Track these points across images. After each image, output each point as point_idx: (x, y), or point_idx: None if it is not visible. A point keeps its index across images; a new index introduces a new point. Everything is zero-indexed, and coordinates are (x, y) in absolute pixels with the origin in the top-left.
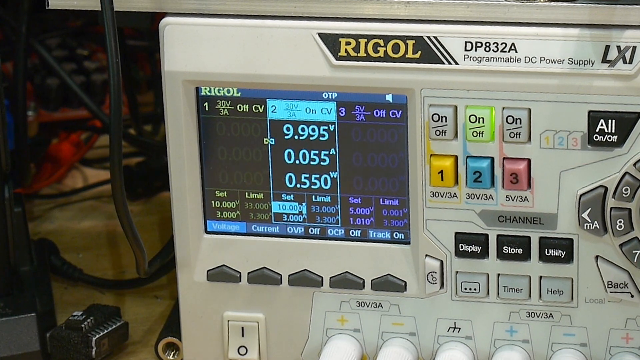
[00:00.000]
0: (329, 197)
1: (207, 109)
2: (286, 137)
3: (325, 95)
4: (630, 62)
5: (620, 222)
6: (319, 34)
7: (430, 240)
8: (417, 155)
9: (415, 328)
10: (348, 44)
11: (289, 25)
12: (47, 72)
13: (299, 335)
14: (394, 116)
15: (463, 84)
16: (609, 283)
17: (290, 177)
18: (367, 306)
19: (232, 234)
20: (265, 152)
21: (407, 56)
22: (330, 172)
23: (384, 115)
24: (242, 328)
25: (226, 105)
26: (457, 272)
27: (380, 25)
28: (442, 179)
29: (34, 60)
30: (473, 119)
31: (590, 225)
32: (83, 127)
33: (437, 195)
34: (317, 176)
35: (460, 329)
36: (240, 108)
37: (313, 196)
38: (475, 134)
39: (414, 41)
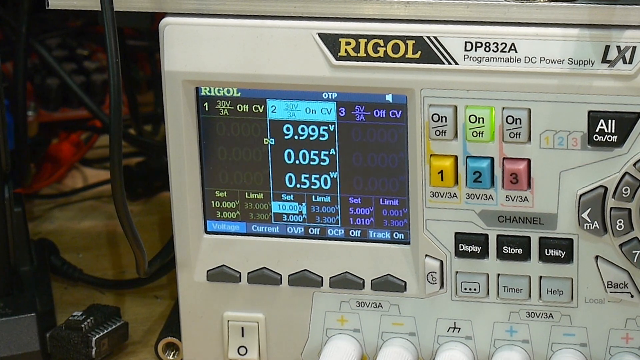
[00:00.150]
0: (329, 197)
1: (207, 109)
2: (286, 137)
3: (325, 95)
4: (630, 62)
5: (620, 222)
6: (319, 34)
7: (430, 240)
8: (417, 155)
9: (415, 328)
10: (348, 44)
11: (289, 25)
12: (47, 72)
13: (299, 335)
14: (394, 116)
15: (463, 84)
16: (609, 283)
17: (290, 177)
18: (367, 306)
19: (232, 234)
20: (265, 152)
21: (407, 56)
22: (330, 172)
23: (384, 115)
24: (242, 328)
25: (226, 105)
26: (457, 272)
27: (380, 25)
28: (442, 179)
29: (34, 60)
30: (473, 119)
31: (590, 225)
32: (83, 127)
33: (437, 195)
34: (317, 176)
35: (460, 329)
36: (240, 108)
37: (313, 196)
38: (475, 134)
39: (413, 41)
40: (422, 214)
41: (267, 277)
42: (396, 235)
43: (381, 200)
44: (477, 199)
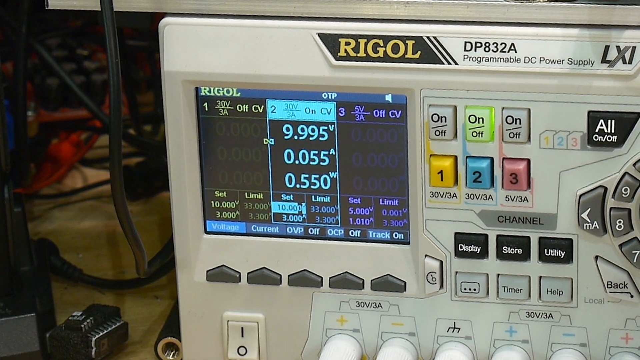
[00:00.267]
0: (329, 197)
1: (206, 109)
2: (286, 137)
3: (324, 95)
4: (630, 62)
5: (619, 222)
6: (319, 34)
7: (429, 240)
8: (416, 155)
9: (415, 328)
10: (348, 44)
11: (289, 25)
12: (47, 72)
13: (298, 336)
14: (394, 116)
15: (463, 84)
16: (609, 283)
17: (289, 177)
18: (367, 306)
19: (231, 234)
20: (264, 152)
21: (406, 56)
22: (329, 172)
23: (384, 116)
24: (242, 328)
25: (226, 106)
26: (456, 272)
27: (380, 26)
28: (442, 179)
29: (34, 60)
30: (473, 119)
31: (589, 226)
32: (83, 127)
33: (436, 195)
34: (317, 176)
35: (459, 329)
36: (239, 108)
37: (313, 196)
38: (474, 134)
39: (413, 41)
40: (421, 214)
41: (267, 277)
42: (396, 235)
43: (381, 200)
44: (477, 199)
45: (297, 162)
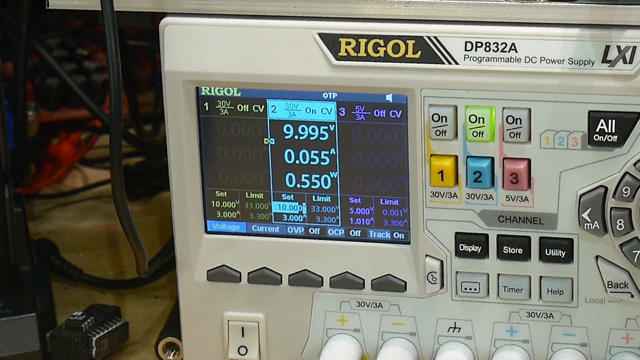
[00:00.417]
0: (329, 197)
1: (207, 109)
2: (286, 137)
3: (325, 95)
4: (630, 62)
5: (620, 222)
6: (319, 34)
7: (430, 240)
8: (417, 155)
9: (416, 328)
10: (348, 44)
11: (289, 25)
12: (47, 72)
13: (299, 335)
14: (394, 116)
15: (463, 84)
16: (609, 283)
17: (290, 177)
18: (367, 306)
19: (232, 234)
20: (265, 152)
21: (407, 56)
22: (330, 172)
23: (384, 115)
24: (242, 328)
25: (226, 105)
26: (457, 272)
27: (380, 25)
28: (442, 179)
29: (34, 60)
30: (473, 119)
31: (590, 225)
32: (83, 127)
33: (437, 195)
34: (317, 176)
35: (460, 329)
36: (240, 108)
37: (313, 196)
38: (475, 134)
39: (414, 41)
40: (422, 213)
41: (267, 277)
42: (396, 235)
43: (381, 200)
44: (477, 198)
45: (297, 162)
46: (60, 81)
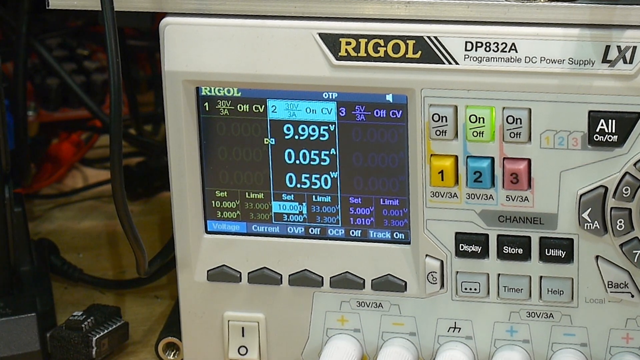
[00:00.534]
0: (329, 197)
1: (207, 109)
2: (286, 137)
3: (325, 95)
4: (631, 62)
5: (620, 222)
6: (319, 34)
7: (430, 240)
8: (417, 155)
9: (416, 328)
10: (348, 44)
11: (289, 25)
12: (47, 72)
13: (299, 335)
14: (394, 116)
15: (463, 84)
16: (609, 283)
17: (290, 177)
18: (368, 306)
19: (232, 234)
20: (265, 152)
21: (407, 56)
22: (330, 172)
23: (384, 115)
24: (243, 328)
25: (226, 105)
26: (457, 272)
27: (381, 25)
28: (443, 179)
29: (34, 60)
30: (473, 119)
31: (590, 225)
32: (83, 127)
33: (437, 195)
34: (318, 176)
35: (460, 329)
36: (240, 108)
37: (313, 196)
38: (475, 134)
39: (414, 41)
40: (422, 213)
41: (267, 277)
42: (396, 235)
43: (381, 200)
44: (478, 198)
45: (297, 162)
46: (60, 81)
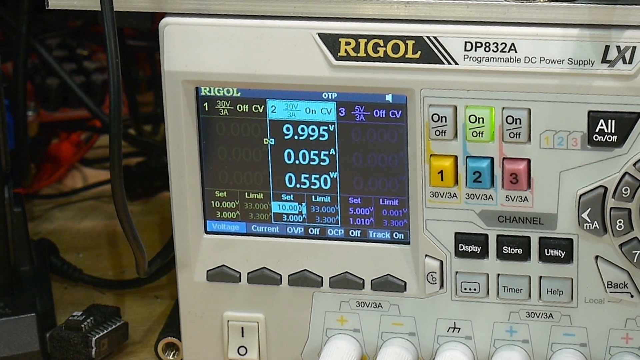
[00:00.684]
0: (329, 197)
1: (207, 109)
2: (286, 137)
3: (325, 95)
4: (630, 62)
5: (620, 222)
6: (319, 34)
7: (430, 240)
8: (417, 155)
9: (415, 328)
10: (348, 44)
11: (289, 25)
12: (47, 72)
13: (298, 335)
14: (394, 116)
15: (463, 84)
16: (609, 283)
17: (290, 177)
18: (367, 306)
19: (232, 234)
20: (265, 152)
21: (407, 56)
22: (330, 172)
23: (384, 115)
24: (242, 328)
25: (226, 105)
26: (457, 272)
27: (380, 25)
28: (442, 179)
29: (34, 60)
30: (473, 119)
31: (590, 225)
32: (83, 127)
33: (437, 195)
34: (317, 176)
35: (460, 329)
36: (240, 108)
37: (313, 196)
38: (475, 134)
39: (413, 41)
40: (422, 214)
41: (267, 277)
42: (396, 235)
43: (381, 200)
44: (477, 199)
45: (297, 162)
46: (60, 81)
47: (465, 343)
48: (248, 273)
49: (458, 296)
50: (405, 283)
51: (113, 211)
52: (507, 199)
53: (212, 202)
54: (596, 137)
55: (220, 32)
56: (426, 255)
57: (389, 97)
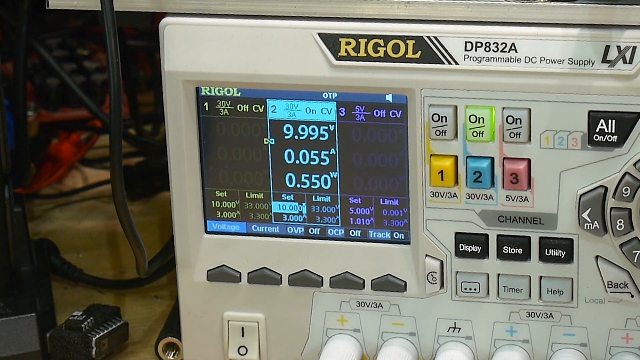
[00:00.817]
0: (329, 197)
1: (207, 109)
2: (286, 137)
3: (325, 95)
4: (630, 62)
5: (620, 222)
6: (319, 34)
7: (430, 240)
8: (417, 155)
9: (415, 328)
10: (348, 44)
11: (289, 25)
12: (47, 72)
13: (299, 335)
14: (394, 116)
15: (463, 84)
16: (609, 283)
17: (290, 177)
18: (367, 306)
19: (232, 234)
20: (265, 152)
21: (407, 56)
22: (330, 172)
23: (384, 115)
24: (242, 328)
25: (226, 105)
26: (457, 272)
27: (380, 25)
28: (442, 179)
29: (34, 60)
30: (473, 119)
31: (590, 225)
32: (83, 127)
33: (437, 195)
34: (317, 176)
35: (460, 329)
36: (240, 108)
37: (313, 196)
38: (475, 134)
39: (414, 41)
40: (422, 214)
41: (267, 277)
42: (396, 235)
43: (381, 200)
44: (477, 199)
45: (297, 162)
46: (60, 81)
47: (466, 343)
48: (248, 273)
49: (458, 296)
50: (406, 283)
51: (113, 211)
52: (508, 199)
53: (213, 202)
54: (596, 137)
55: (220, 32)
56: (426, 255)
57: (389, 97)
